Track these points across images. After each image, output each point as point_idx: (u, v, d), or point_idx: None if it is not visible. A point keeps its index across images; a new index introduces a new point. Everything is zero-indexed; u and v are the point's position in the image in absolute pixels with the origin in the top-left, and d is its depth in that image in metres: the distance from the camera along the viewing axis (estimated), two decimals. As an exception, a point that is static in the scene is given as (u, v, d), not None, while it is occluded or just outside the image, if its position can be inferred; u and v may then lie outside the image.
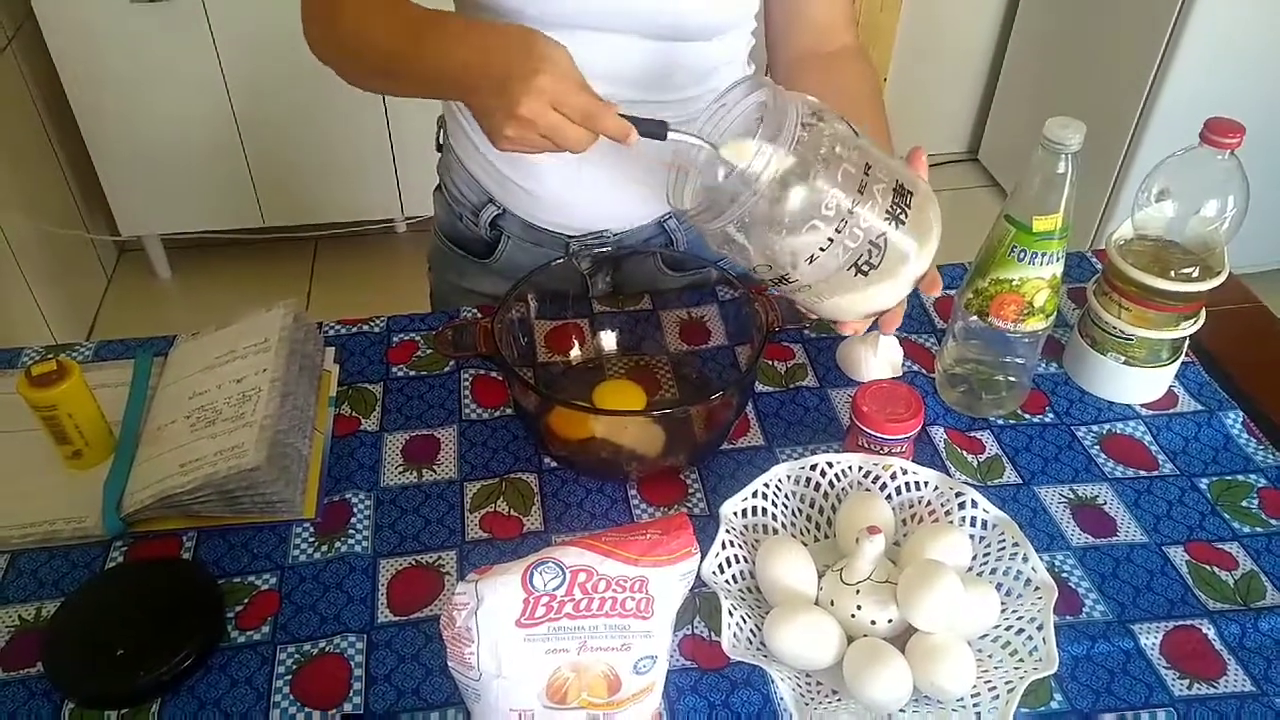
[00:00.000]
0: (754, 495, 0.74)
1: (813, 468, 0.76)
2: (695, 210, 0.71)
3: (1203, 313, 0.86)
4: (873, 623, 0.67)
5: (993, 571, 0.71)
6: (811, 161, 0.66)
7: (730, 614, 0.66)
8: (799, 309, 0.81)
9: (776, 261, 0.70)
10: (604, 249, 0.99)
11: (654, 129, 0.70)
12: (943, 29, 2.69)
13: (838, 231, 0.67)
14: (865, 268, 0.70)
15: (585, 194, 0.95)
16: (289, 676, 0.68)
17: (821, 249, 0.68)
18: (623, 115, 0.69)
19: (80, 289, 2.38)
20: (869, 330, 0.87)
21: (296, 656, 0.69)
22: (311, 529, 0.78)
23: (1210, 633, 0.71)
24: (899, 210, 0.69)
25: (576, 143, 0.70)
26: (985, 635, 0.68)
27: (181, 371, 0.87)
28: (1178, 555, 0.77)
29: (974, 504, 0.73)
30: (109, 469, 0.80)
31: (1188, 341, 0.88)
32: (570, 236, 0.99)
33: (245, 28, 2.10)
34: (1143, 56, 2.12)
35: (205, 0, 2.05)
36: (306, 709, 0.66)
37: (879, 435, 0.77)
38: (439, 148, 1.05)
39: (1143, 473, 0.83)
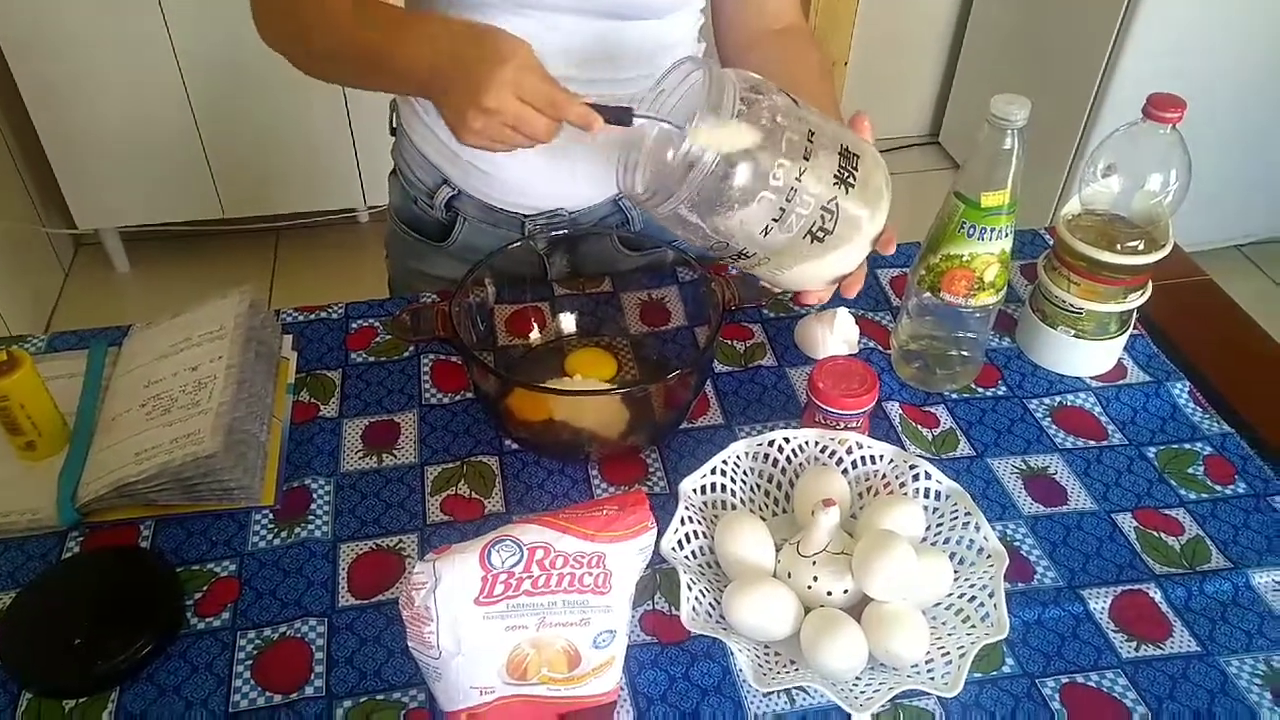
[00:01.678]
0: (713, 472, 0.75)
1: (770, 444, 0.77)
2: (646, 195, 0.71)
3: (1149, 286, 0.88)
4: (829, 593, 0.68)
5: (946, 541, 0.72)
6: (753, 135, 0.67)
7: (689, 588, 0.67)
8: (762, 285, 0.82)
9: (732, 238, 0.71)
10: (560, 229, 0.99)
11: (619, 115, 0.70)
12: (902, 12, 2.71)
13: (788, 201, 0.68)
14: (820, 234, 0.71)
15: (539, 172, 0.95)
16: (250, 662, 0.68)
17: (774, 219, 0.69)
18: (588, 104, 0.70)
19: (37, 283, 2.34)
20: (826, 307, 0.89)
21: (257, 642, 0.69)
22: (271, 515, 0.77)
23: (1157, 596, 0.73)
24: (846, 174, 0.70)
25: (543, 132, 0.70)
26: (939, 603, 0.69)
27: (136, 360, 0.86)
28: (1126, 522, 0.78)
29: (927, 475, 0.74)
30: (64, 459, 0.80)
31: (1135, 314, 0.90)
32: (526, 216, 0.99)
33: (201, 16, 2.07)
34: (1097, 38, 2.15)
35: (158, -12, 2.02)
36: (268, 693, 0.66)
37: (835, 411, 0.78)
38: (392, 131, 1.05)
39: (1092, 443, 0.85)
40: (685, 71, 0.71)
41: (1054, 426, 0.86)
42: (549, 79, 0.70)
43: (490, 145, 0.71)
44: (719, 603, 0.68)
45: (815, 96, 0.86)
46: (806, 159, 0.68)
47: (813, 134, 0.69)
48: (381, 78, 0.78)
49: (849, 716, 0.65)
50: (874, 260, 1.03)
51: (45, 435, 0.80)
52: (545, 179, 0.96)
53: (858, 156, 0.71)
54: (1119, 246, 0.84)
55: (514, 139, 0.71)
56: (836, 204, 0.70)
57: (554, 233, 0.98)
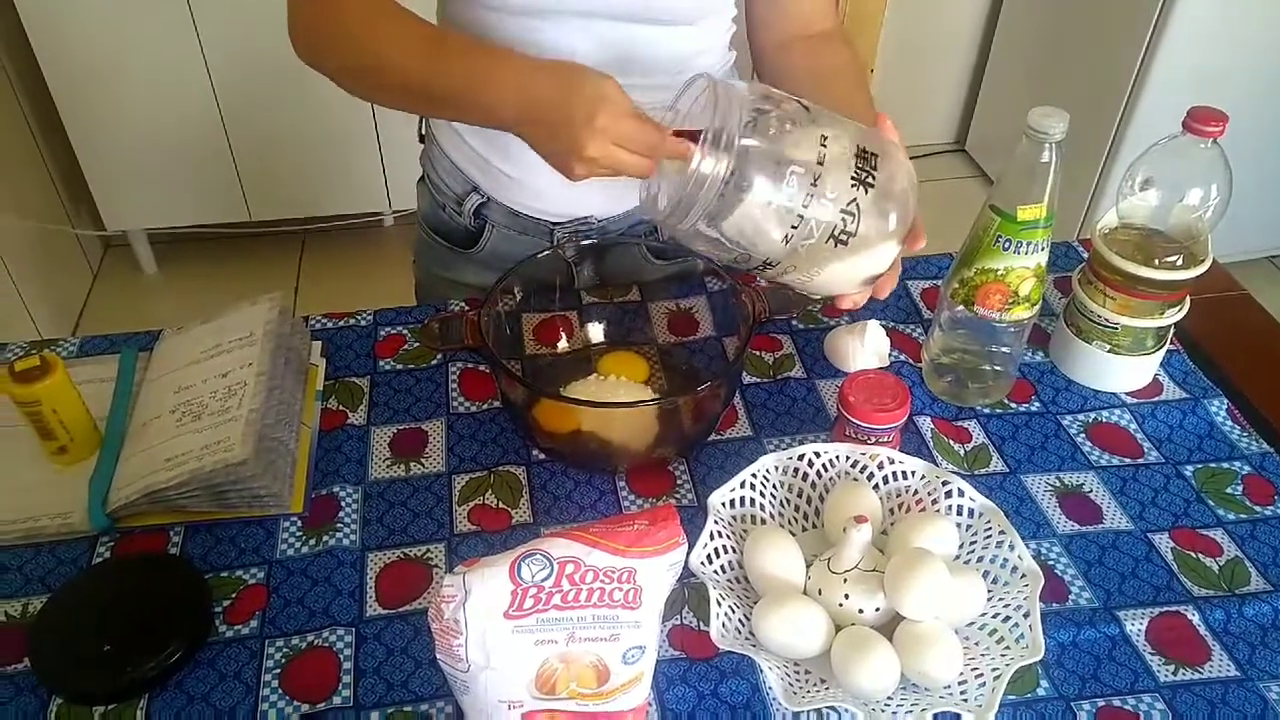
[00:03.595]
0: (742, 486, 0.74)
1: (800, 458, 0.76)
2: (666, 213, 0.71)
3: (1187, 301, 0.86)
4: (860, 611, 0.67)
5: (979, 559, 0.71)
6: (763, 145, 0.67)
7: (719, 604, 0.66)
8: (793, 296, 0.81)
9: (755, 249, 0.71)
10: (588, 237, 0.99)
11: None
12: (929, 19, 2.69)
13: (805, 208, 0.68)
14: (843, 237, 0.70)
15: (567, 180, 0.95)
16: (277, 671, 0.67)
17: (794, 227, 0.69)
18: (677, 131, 0.71)
19: (66, 284, 2.37)
20: (856, 317, 0.88)
21: (285, 651, 0.69)
22: (299, 523, 0.77)
23: (1195, 619, 0.72)
24: (865, 175, 0.69)
25: (641, 171, 0.72)
26: (972, 623, 0.68)
27: (166, 366, 0.87)
28: (1163, 542, 0.77)
29: (961, 493, 0.73)
30: (94, 464, 0.80)
31: (1172, 330, 0.88)
32: (554, 224, 0.99)
33: (229, 20, 2.08)
34: (1128, 45, 2.13)
35: (189, -8, 2.03)
36: (295, 703, 0.66)
37: (866, 425, 0.78)
38: (421, 138, 1.05)
39: (1128, 460, 0.84)
40: (698, 89, 0.71)
41: (1089, 443, 0.85)
42: (640, 118, 0.71)
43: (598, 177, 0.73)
44: (748, 619, 0.68)
45: (850, 99, 0.85)
46: (820, 164, 0.68)
47: (825, 138, 0.69)
48: (456, 114, 0.80)
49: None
50: (904, 272, 1.02)
51: (77, 440, 0.80)
52: (573, 187, 0.96)
53: (876, 156, 0.70)
54: (1157, 261, 0.82)
55: (617, 175, 0.73)
56: (857, 205, 0.69)
57: (583, 241, 0.98)
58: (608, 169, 0.71)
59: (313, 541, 0.76)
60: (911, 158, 0.77)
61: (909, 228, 0.74)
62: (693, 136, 0.70)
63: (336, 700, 0.66)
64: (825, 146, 0.68)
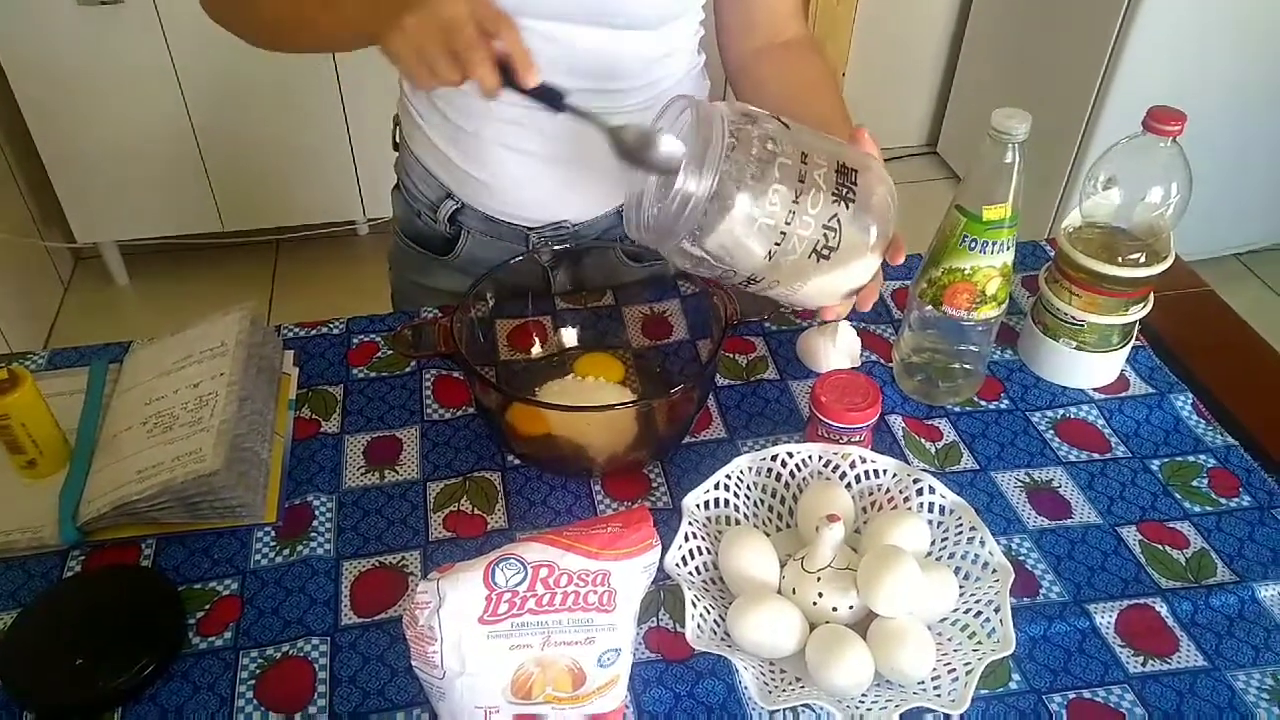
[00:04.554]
0: (716, 487, 0.75)
1: (773, 458, 0.77)
2: (651, 235, 0.72)
3: (1151, 297, 0.88)
4: (834, 609, 0.68)
5: (951, 556, 0.72)
6: (745, 164, 0.67)
7: (694, 605, 0.66)
8: (764, 298, 0.82)
9: (738, 266, 0.71)
10: (564, 241, 0.99)
11: (551, 96, 0.70)
12: (900, 22, 2.72)
13: (788, 224, 0.69)
14: (826, 252, 0.71)
15: (542, 185, 0.95)
16: (252, 681, 0.67)
17: (777, 244, 0.69)
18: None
19: (36, 297, 2.34)
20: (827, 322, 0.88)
21: (260, 661, 0.68)
22: (273, 533, 0.77)
23: (1163, 610, 0.73)
24: (845, 190, 0.70)
25: (465, 45, 0.66)
26: (944, 619, 0.69)
27: (137, 378, 0.86)
28: (1131, 535, 0.78)
29: (932, 490, 0.74)
30: (65, 478, 0.79)
31: (1138, 326, 0.90)
32: (530, 229, 0.99)
33: (199, 29, 2.05)
34: (1094, 48, 2.16)
35: (157, 1, 2.02)
36: (271, 713, 0.65)
37: (838, 425, 0.78)
38: (395, 146, 1.05)
39: (1096, 456, 0.85)
40: (678, 110, 0.72)
41: (1057, 439, 0.86)
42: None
43: (416, 60, 0.67)
44: (724, 619, 0.68)
45: (822, 108, 0.86)
46: (801, 180, 0.69)
47: (806, 155, 0.70)
48: (323, 25, 0.77)
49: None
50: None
51: (46, 454, 0.79)
52: (548, 191, 0.96)
53: (856, 171, 0.72)
54: (1120, 259, 0.84)
55: (439, 56, 0.66)
56: (838, 220, 0.70)
57: (558, 245, 0.98)
58: (438, 31, 0.65)
59: (287, 551, 0.76)
60: (884, 160, 0.78)
61: (889, 241, 0.75)
62: (551, 97, 0.70)
63: (312, 710, 0.66)
64: (805, 163, 0.69)
